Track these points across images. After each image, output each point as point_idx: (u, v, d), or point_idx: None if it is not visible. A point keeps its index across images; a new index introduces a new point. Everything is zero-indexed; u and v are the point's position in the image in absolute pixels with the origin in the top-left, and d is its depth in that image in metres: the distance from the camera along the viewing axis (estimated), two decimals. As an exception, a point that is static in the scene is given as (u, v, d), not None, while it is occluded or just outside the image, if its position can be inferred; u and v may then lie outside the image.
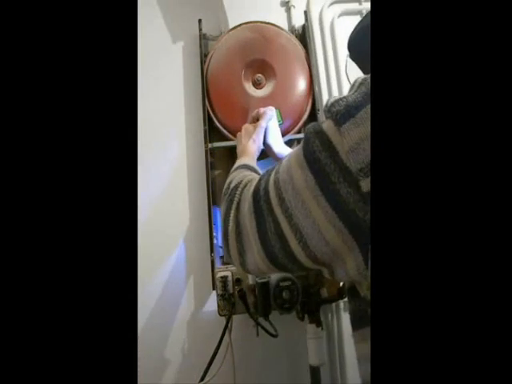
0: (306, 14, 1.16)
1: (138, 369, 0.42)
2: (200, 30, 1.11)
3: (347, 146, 0.36)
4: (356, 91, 0.38)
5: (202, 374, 0.84)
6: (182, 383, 0.96)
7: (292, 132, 1.04)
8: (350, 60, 0.74)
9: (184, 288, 1.02)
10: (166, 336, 1.00)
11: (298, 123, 1.04)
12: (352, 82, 0.41)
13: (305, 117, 1.05)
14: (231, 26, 1.08)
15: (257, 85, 1.03)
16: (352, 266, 0.39)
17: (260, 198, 0.45)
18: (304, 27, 1.14)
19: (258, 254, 0.46)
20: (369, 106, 0.35)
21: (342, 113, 0.37)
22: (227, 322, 0.87)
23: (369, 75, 0.38)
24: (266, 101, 1.01)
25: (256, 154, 0.76)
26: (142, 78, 1.08)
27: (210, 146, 1.02)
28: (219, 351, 0.86)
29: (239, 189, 0.52)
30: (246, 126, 0.81)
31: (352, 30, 0.55)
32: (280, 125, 1.02)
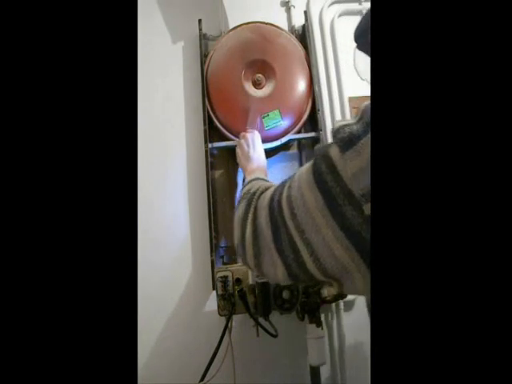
0: (306, 14, 1.16)
1: (139, 369, 0.42)
2: (200, 30, 1.11)
3: (350, 172, 0.38)
4: (360, 119, 0.39)
5: (201, 373, 0.84)
6: (182, 383, 0.96)
7: (292, 132, 1.04)
8: (358, 52, 0.74)
9: (184, 288, 1.02)
10: (166, 336, 1.00)
11: (297, 123, 1.04)
12: (362, 79, 0.42)
13: (305, 117, 1.05)
14: (231, 26, 1.08)
15: (257, 85, 1.03)
16: (360, 282, 0.40)
17: (274, 209, 0.48)
18: (304, 27, 1.14)
19: (276, 260, 0.48)
20: (367, 136, 0.37)
21: (346, 140, 0.39)
22: (227, 322, 0.87)
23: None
24: (266, 101, 1.01)
25: (259, 162, 0.84)
26: (142, 78, 1.08)
27: (209, 145, 1.02)
28: (219, 351, 0.86)
29: (257, 194, 0.55)
30: (240, 143, 0.91)
31: (359, 21, 0.56)
32: (280, 125, 1.02)
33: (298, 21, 1.17)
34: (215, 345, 0.86)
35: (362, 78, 1.13)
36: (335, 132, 0.41)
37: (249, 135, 0.91)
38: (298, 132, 1.06)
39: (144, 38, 1.07)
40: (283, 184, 0.50)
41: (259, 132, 0.95)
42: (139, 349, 0.86)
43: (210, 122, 1.03)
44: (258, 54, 1.02)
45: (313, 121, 1.07)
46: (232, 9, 1.10)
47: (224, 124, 1.03)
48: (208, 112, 1.03)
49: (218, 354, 0.86)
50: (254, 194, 0.56)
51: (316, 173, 0.42)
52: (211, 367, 0.85)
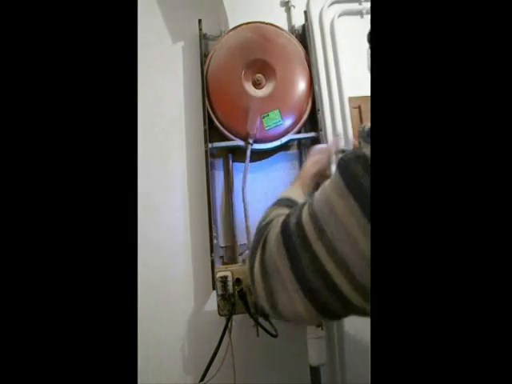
0: (306, 13, 1.16)
1: (139, 369, 0.42)
2: (200, 29, 1.11)
3: None
4: None
5: (201, 373, 0.84)
6: (182, 383, 0.96)
7: (292, 132, 1.04)
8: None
9: (184, 288, 1.02)
10: (166, 336, 1.00)
11: (297, 123, 1.04)
12: None
13: (305, 117, 1.05)
14: (231, 26, 1.08)
15: (257, 85, 1.03)
16: None
17: (291, 234, 0.42)
18: (304, 27, 1.14)
19: (296, 293, 0.41)
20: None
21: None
22: (227, 322, 0.87)
23: None
24: (266, 101, 1.01)
25: (307, 179, 0.72)
26: (142, 77, 1.08)
27: (210, 145, 1.02)
28: (219, 351, 0.86)
29: (268, 227, 0.48)
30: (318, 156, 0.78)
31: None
32: (280, 125, 1.02)
33: (298, 21, 1.17)
34: (215, 345, 0.86)
35: None
36: (368, 133, 0.38)
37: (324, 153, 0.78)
38: (298, 132, 1.06)
39: (144, 37, 1.07)
40: (299, 207, 0.44)
41: (259, 132, 0.95)
42: (139, 349, 0.86)
43: (210, 122, 1.03)
44: (258, 54, 1.02)
45: (313, 121, 1.07)
46: (232, 9, 1.10)
47: (224, 124, 1.03)
48: (208, 112, 1.03)
49: (217, 354, 0.86)
50: (266, 226, 0.49)
51: (348, 177, 0.38)
52: (211, 367, 0.85)
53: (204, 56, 1.08)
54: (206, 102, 1.04)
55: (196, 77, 1.10)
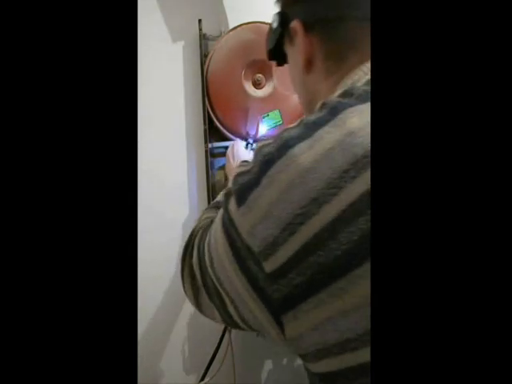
0: (306, 14, 1.15)
1: (139, 369, 0.42)
2: (200, 29, 1.11)
3: (245, 229, 0.36)
4: (253, 167, 0.37)
5: (201, 374, 0.84)
6: (182, 383, 0.96)
7: (292, 132, 1.04)
8: None
9: (184, 288, 1.02)
10: (166, 336, 1.00)
11: (298, 123, 1.04)
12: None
13: (305, 117, 1.05)
14: (231, 26, 1.08)
15: (257, 85, 1.03)
16: (275, 336, 0.38)
17: (200, 253, 0.45)
18: (304, 27, 1.14)
19: (210, 303, 0.46)
20: (257, 189, 0.35)
21: (238, 194, 0.37)
22: (227, 322, 0.87)
23: (266, 142, 0.38)
24: (266, 101, 1.01)
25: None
26: (142, 77, 1.08)
27: (209, 145, 1.02)
28: (219, 351, 0.86)
29: (193, 234, 0.52)
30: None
31: None
32: (280, 125, 1.02)
33: (298, 21, 1.17)
34: (215, 345, 0.86)
35: None
36: (233, 180, 0.39)
37: (229, 149, 0.92)
38: (298, 132, 1.06)
39: (144, 37, 1.07)
40: (210, 225, 0.46)
41: (259, 132, 0.95)
42: (139, 349, 0.86)
43: (210, 122, 1.03)
44: (258, 54, 1.02)
45: (313, 121, 1.07)
46: (232, 9, 1.10)
47: (224, 124, 1.03)
48: (208, 112, 1.03)
49: (217, 353, 0.86)
50: (193, 232, 0.52)
51: (223, 224, 0.39)
52: (211, 367, 0.85)
53: (204, 56, 1.08)
54: (206, 102, 1.04)
55: (196, 77, 1.10)
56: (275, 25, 0.53)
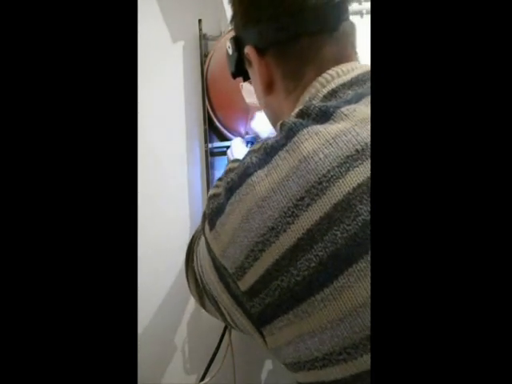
0: (306, 13, 1.15)
1: (139, 369, 0.42)
2: (200, 30, 1.11)
3: (218, 252, 0.38)
4: (224, 191, 0.39)
5: (202, 373, 0.84)
6: (182, 383, 0.96)
7: (292, 132, 1.03)
8: None
9: (184, 288, 1.02)
10: (167, 336, 1.00)
11: (298, 123, 1.04)
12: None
13: (305, 117, 1.05)
14: (231, 26, 1.08)
15: (257, 85, 1.03)
16: (261, 344, 0.41)
17: (196, 260, 0.47)
18: (304, 27, 1.14)
19: (210, 306, 0.48)
20: (222, 216, 0.37)
21: (210, 218, 0.39)
22: (227, 322, 0.87)
23: (233, 165, 0.40)
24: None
25: None
26: (142, 77, 1.08)
27: (209, 145, 1.02)
28: (219, 351, 0.86)
29: (194, 238, 0.54)
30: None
31: None
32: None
33: (298, 21, 1.16)
34: (215, 345, 0.86)
35: None
36: (208, 201, 0.40)
37: (229, 149, 0.92)
38: (298, 132, 1.06)
39: (144, 37, 1.07)
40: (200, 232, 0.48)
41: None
42: (139, 350, 0.86)
43: (210, 121, 1.03)
44: (258, 54, 1.02)
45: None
46: (232, 9, 1.10)
47: (224, 124, 1.03)
48: (208, 112, 1.03)
49: (217, 353, 0.86)
50: (193, 237, 0.56)
51: (205, 240, 0.42)
52: (211, 367, 0.85)
53: (204, 56, 1.08)
54: (206, 102, 1.04)
55: (196, 77, 1.10)
56: (230, 51, 0.55)
